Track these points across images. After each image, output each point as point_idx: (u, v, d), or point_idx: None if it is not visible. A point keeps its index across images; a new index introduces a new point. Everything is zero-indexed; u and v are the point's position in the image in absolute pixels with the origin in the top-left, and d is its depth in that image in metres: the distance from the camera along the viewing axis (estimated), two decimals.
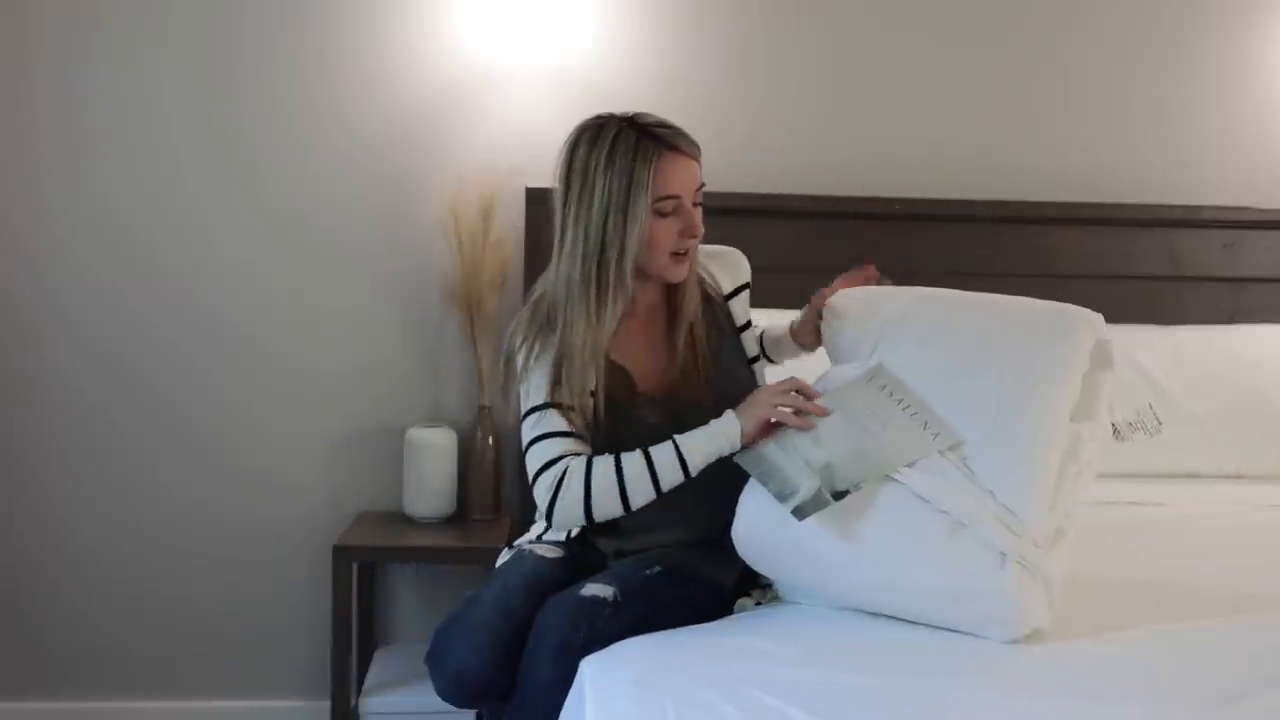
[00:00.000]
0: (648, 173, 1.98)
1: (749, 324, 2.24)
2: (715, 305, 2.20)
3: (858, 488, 1.87)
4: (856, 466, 1.88)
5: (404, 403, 3.05)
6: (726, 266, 2.24)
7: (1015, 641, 1.80)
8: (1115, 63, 3.17)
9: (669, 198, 2.01)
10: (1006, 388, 1.91)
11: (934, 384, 1.96)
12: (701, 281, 2.18)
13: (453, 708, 2.02)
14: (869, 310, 2.11)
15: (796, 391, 1.97)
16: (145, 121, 2.98)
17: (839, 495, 1.86)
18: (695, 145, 2.06)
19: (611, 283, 2.00)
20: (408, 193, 3.01)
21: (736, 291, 2.23)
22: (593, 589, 1.95)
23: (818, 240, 3.00)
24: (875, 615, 1.91)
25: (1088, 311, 1.99)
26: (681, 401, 2.10)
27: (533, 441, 2.04)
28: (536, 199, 2.85)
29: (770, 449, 1.94)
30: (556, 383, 2.03)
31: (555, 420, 2.03)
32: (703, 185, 2.07)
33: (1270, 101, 3.21)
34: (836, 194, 3.03)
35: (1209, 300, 3.13)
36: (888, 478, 1.88)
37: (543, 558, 2.10)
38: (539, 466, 2.02)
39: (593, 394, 2.05)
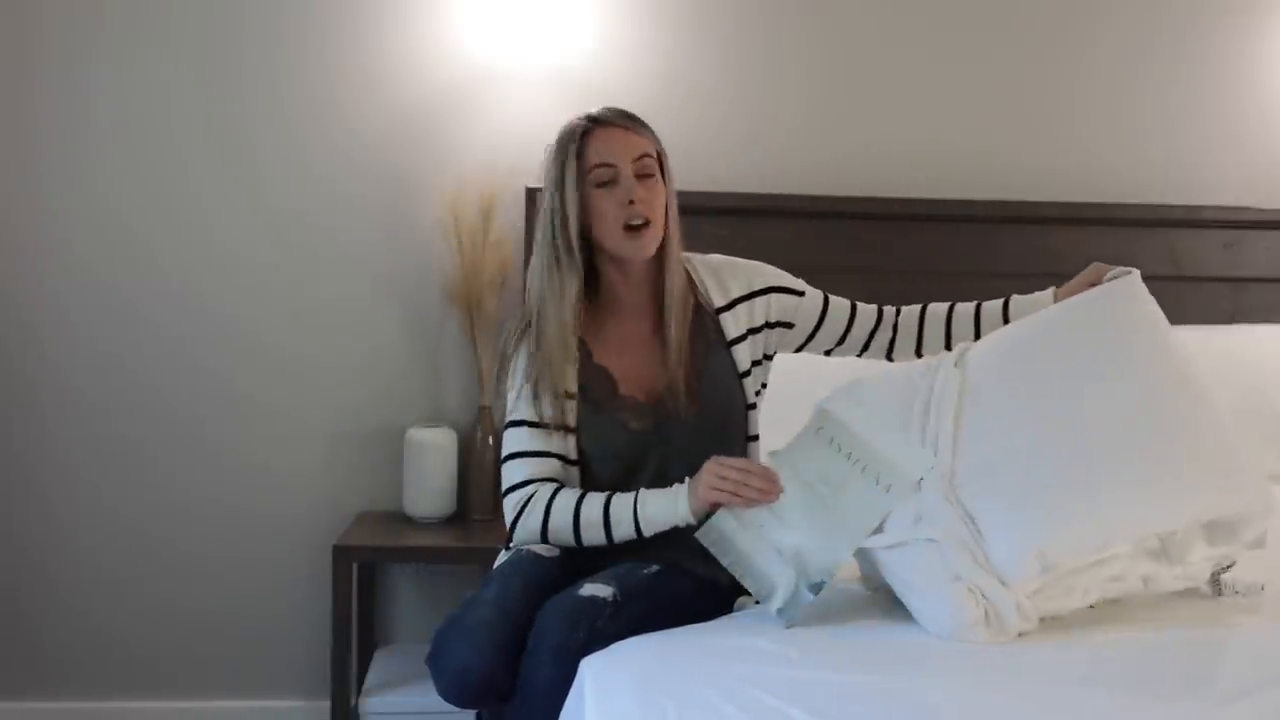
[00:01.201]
0: (574, 145, 2.08)
1: (745, 336, 2.19)
2: (705, 316, 2.19)
3: (832, 575, 1.89)
4: (825, 549, 1.89)
5: (404, 402, 3.05)
6: (722, 278, 2.22)
7: (1017, 641, 1.80)
8: (1116, 62, 3.16)
9: (601, 165, 2.07)
10: (1108, 461, 1.88)
11: (1039, 417, 1.93)
12: (695, 291, 2.19)
13: (453, 708, 2.02)
14: (1117, 305, 2.05)
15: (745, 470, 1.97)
16: (146, 121, 2.98)
17: (816, 588, 1.88)
18: (634, 119, 2.13)
19: (562, 256, 2.07)
20: (408, 193, 3.01)
21: (732, 305, 2.20)
22: (592, 589, 1.95)
23: (817, 240, 2.99)
24: (876, 616, 1.92)
25: (1272, 495, 1.94)
26: (665, 411, 2.12)
27: (508, 458, 2.13)
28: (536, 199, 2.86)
29: (731, 527, 1.96)
30: (535, 397, 2.09)
31: (530, 439, 2.10)
32: (646, 155, 2.10)
33: (1270, 101, 3.21)
34: (836, 194, 3.03)
35: (1209, 300, 3.12)
36: (860, 550, 1.91)
37: (540, 557, 2.10)
38: (509, 485, 2.11)
39: (569, 395, 2.09)
